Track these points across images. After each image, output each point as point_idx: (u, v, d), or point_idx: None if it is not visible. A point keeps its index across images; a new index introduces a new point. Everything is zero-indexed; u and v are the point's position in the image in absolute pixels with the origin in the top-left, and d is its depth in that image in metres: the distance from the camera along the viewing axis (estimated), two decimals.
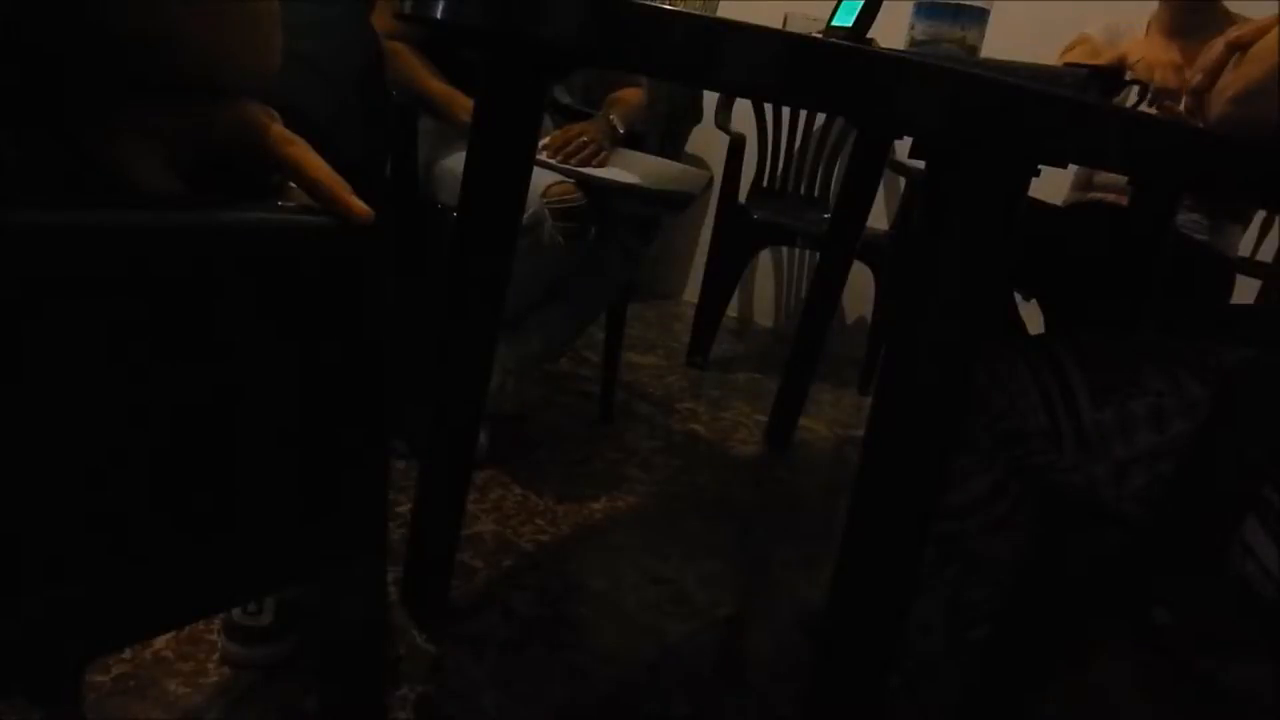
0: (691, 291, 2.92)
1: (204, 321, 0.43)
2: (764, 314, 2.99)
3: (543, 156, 1.52)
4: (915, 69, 0.63)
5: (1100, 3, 1.60)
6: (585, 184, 1.51)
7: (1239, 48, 0.70)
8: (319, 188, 0.47)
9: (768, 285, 2.97)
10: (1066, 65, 1.21)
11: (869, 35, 0.99)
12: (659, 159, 1.79)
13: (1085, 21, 1.62)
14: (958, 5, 1.01)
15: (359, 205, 0.47)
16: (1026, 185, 0.69)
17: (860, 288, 2.44)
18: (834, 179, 2.62)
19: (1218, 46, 0.71)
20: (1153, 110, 1.15)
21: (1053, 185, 1.18)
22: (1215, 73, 0.72)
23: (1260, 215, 1.90)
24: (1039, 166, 0.70)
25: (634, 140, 1.77)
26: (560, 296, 1.67)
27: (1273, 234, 1.97)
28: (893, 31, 1.11)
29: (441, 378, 1.08)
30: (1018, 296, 1.74)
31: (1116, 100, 1.10)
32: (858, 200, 1.87)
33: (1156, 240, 1.43)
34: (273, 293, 0.45)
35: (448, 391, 1.09)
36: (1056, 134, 0.64)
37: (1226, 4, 1.53)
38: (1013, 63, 0.91)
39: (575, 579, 1.32)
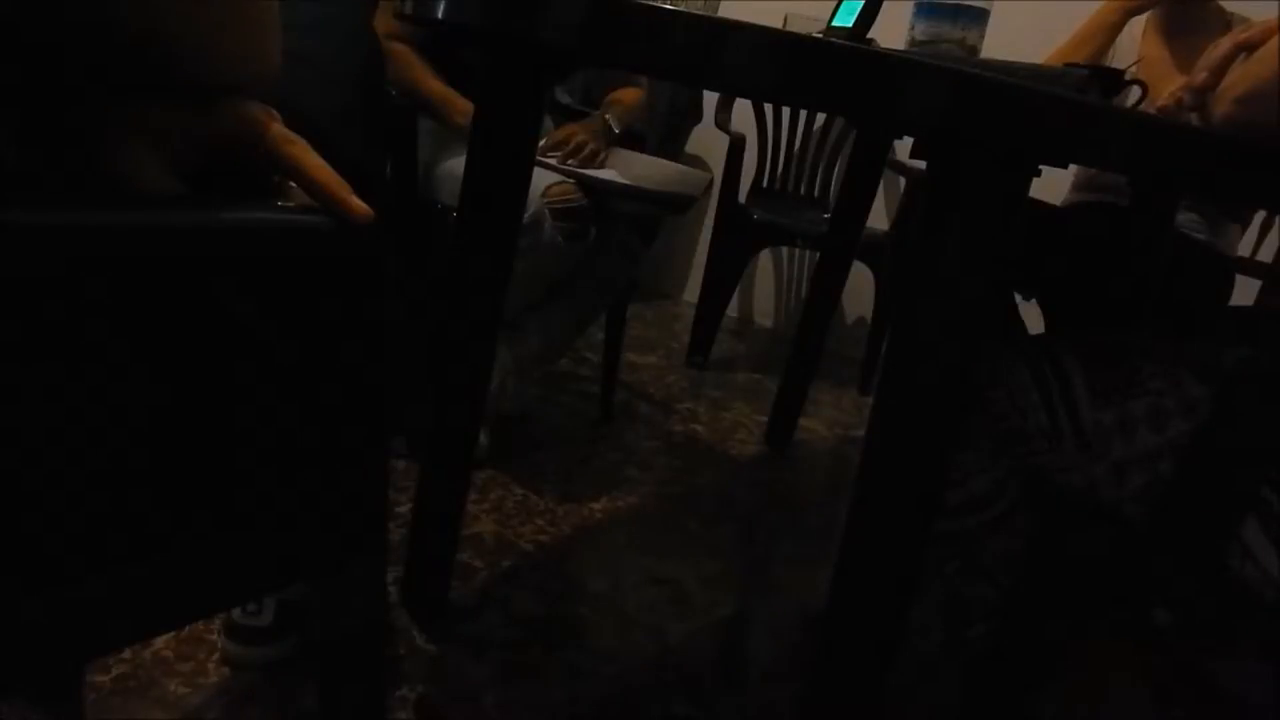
0: (691, 291, 2.92)
1: (204, 321, 0.43)
2: (764, 314, 2.99)
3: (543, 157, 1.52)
4: (915, 69, 0.63)
5: (1100, 3, 1.60)
6: (585, 184, 1.51)
7: (1246, 48, 0.70)
8: (319, 188, 0.47)
9: (768, 285, 2.97)
10: (1066, 65, 1.21)
11: (869, 35, 0.99)
12: (659, 159, 1.79)
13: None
14: (958, 5, 1.01)
15: (359, 205, 0.47)
16: (1027, 185, 0.69)
17: (860, 288, 2.44)
18: (834, 179, 2.62)
19: (1224, 45, 0.71)
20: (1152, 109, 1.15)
21: (1053, 185, 1.18)
22: (1220, 72, 0.72)
23: (1260, 215, 1.90)
24: (1039, 166, 0.70)
25: (634, 140, 1.77)
26: (560, 296, 1.67)
27: (1273, 234, 1.96)
28: (893, 31, 1.11)
29: (441, 378, 1.08)
30: (1018, 296, 1.74)
31: (1116, 100, 1.09)
32: (858, 200, 1.87)
33: (1156, 240, 1.43)
34: (273, 293, 0.45)
35: (448, 391, 1.09)
36: (1056, 134, 0.64)
37: (1223, 4, 1.53)
38: (1013, 63, 0.91)
39: (575, 579, 1.31)
